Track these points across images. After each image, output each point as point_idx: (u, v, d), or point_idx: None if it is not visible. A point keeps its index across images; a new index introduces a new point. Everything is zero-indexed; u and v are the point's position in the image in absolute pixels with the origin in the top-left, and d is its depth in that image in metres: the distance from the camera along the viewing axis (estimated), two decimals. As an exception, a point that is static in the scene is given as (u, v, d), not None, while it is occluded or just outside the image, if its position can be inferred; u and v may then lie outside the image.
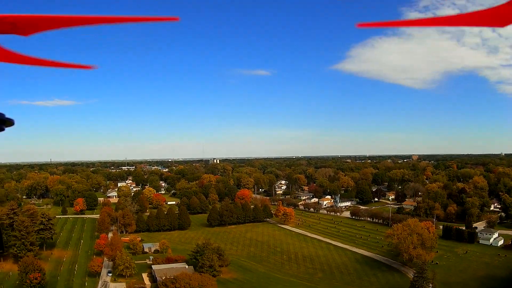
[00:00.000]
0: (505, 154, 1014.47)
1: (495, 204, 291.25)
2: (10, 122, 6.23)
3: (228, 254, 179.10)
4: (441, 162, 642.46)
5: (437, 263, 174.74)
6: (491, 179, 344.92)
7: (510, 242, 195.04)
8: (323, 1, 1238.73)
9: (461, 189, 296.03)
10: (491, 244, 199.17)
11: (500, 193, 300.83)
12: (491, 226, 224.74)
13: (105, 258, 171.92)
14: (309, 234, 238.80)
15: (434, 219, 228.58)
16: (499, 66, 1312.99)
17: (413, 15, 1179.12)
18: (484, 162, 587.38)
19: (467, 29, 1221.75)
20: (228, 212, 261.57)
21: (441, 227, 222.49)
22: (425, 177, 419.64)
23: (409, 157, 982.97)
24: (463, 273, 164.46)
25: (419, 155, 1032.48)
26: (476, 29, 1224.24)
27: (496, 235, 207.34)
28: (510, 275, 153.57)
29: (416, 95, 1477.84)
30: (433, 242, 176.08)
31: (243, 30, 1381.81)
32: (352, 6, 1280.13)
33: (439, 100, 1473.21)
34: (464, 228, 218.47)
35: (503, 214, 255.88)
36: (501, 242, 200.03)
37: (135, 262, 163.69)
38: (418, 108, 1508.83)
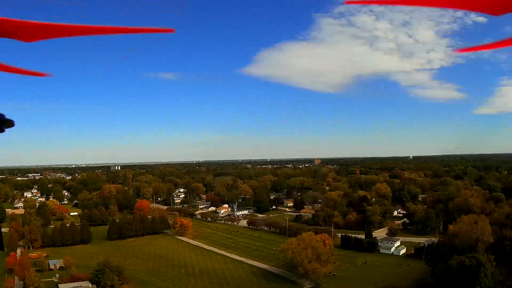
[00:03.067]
0: (413, 156, 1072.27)
1: (399, 210, 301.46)
2: (10, 123, 6.35)
3: (128, 270, 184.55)
4: (344, 167, 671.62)
5: (334, 274, 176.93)
6: (395, 186, 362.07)
7: (413, 251, 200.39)
8: (232, 4, 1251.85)
9: (362, 197, 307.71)
10: (393, 253, 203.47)
11: (404, 199, 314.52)
12: (393, 234, 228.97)
13: (16, 278, 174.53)
14: (206, 247, 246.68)
15: (332, 229, 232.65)
16: (413, 71, 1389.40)
17: (328, 21, 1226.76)
18: (390, 166, 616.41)
19: (381, 34, 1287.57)
20: (127, 224, 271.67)
21: (339, 235, 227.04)
22: (325, 184, 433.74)
23: (312, 161, 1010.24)
24: (363, 284, 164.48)
25: (322, 159, 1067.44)
26: (391, 35, 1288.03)
27: (398, 243, 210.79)
28: (413, 285, 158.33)
29: (323, 99, 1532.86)
30: (329, 255, 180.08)
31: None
32: (263, 11, 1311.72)
33: (347, 103, 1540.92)
34: (363, 237, 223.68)
35: (406, 220, 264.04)
36: (403, 251, 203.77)
37: (43, 280, 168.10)
38: (324, 111, 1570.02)
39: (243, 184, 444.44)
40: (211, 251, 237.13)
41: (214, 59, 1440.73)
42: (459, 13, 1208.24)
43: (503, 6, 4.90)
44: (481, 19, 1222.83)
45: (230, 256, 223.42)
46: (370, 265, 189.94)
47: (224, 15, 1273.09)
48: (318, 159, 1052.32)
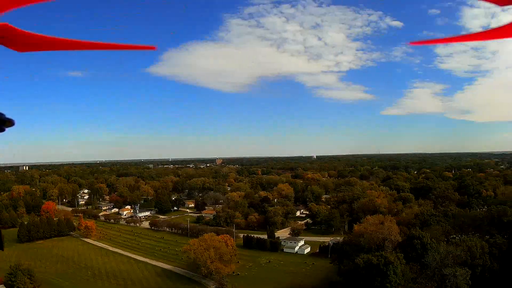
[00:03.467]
0: (317, 156, 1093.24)
1: (302, 210, 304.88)
2: (10, 122, 6.54)
3: (38, 273, 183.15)
4: (246, 167, 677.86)
5: (238, 274, 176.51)
6: (298, 186, 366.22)
7: (318, 250, 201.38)
8: (139, 1, 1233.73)
9: (264, 198, 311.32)
10: (297, 252, 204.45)
11: (307, 199, 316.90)
12: (296, 234, 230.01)
13: None
14: (110, 248, 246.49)
15: (234, 229, 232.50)
16: (319, 73, 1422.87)
17: (236, 21, 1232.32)
18: (293, 166, 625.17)
19: (290, 36, 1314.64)
20: (35, 227, 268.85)
21: (241, 236, 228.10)
22: (227, 185, 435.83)
23: (213, 160, 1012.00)
24: (267, 283, 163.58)
25: (224, 159, 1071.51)
26: (300, 37, 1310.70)
27: (301, 243, 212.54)
28: (318, 283, 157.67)
29: (227, 99, 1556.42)
30: (231, 255, 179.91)
31: (52, 27, 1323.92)
32: (171, 10, 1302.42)
33: (251, 104, 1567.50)
34: (266, 237, 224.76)
35: (309, 220, 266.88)
36: (307, 250, 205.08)
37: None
38: (228, 111, 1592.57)
39: (145, 184, 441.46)
40: (116, 252, 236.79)
41: (120, 57, 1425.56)
42: (374, 16, 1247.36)
43: None
44: (397, 23, 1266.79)
45: (134, 257, 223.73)
46: (274, 264, 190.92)
47: (131, 12, 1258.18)
48: (219, 159, 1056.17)
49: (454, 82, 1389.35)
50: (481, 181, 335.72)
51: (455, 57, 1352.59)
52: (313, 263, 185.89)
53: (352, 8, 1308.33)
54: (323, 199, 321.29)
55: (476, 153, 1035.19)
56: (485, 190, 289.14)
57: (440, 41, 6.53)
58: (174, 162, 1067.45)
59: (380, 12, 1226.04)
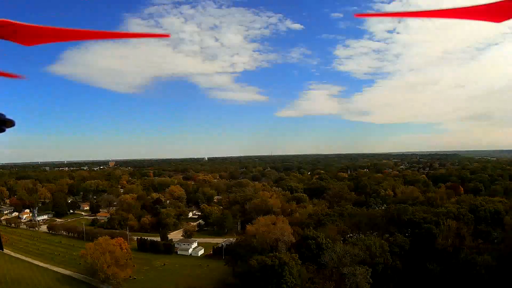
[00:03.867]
0: (208, 158, 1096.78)
1: (194, 212, 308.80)
2: (10, 123, 6.75)
3: None
4: (138, 169, 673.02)
5: (135, 278, 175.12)
6: (189, 187, 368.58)
7: (212, 252, 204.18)
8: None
9: (156, 200, 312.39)
10: (191, 254, 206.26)
11: (199, 201, 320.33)
12: (189, 235, 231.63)
13: None
14: (13, 254, 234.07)
15: (128, 232, 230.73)
16: (214, 73, 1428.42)
17: (136, 21, 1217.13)
18: (185, 168, 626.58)
19: (187, 37, 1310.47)
20: None
21: (135, 238, 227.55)
22: (120, 187, 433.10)
23: (106, 163, 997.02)
24: (164, 286, 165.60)
25: (117, 161, 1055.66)
26: (197, 38, 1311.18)
27: (195, 244, 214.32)
28: (214, 285, 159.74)
29: (120, 99, 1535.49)
30: (127, 259, 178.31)
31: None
32: (69, 8, 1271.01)
33: (143, 104, 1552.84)
34: (159, 239, 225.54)
35: (202, 221, 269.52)
36: (201, 252, 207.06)
37: None
38: (120, 112, 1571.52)
39: (42, 187, 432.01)
40: (18, 258, 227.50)
41: (19, 55, 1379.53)
42: (274, 19, 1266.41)
43: (504, 14, 5.43)
44: (297, 26, 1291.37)
45: (36, 263, 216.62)
46: (169, 267, 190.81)
47: (29, 8, 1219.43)
48: (112, 161, 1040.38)
49: (353, 84, 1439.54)
50: (379, 181, 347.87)
51: (355, 59, 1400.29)
52: (207, 265, 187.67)
53: (252, 10, 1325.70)
54: (215, 200, 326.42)
55: (375, 154, 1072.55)
56: (384, 190, 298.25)
57: (388, 15, 7.17)
58: (69, 164, 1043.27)
59: (281, 15, 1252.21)
